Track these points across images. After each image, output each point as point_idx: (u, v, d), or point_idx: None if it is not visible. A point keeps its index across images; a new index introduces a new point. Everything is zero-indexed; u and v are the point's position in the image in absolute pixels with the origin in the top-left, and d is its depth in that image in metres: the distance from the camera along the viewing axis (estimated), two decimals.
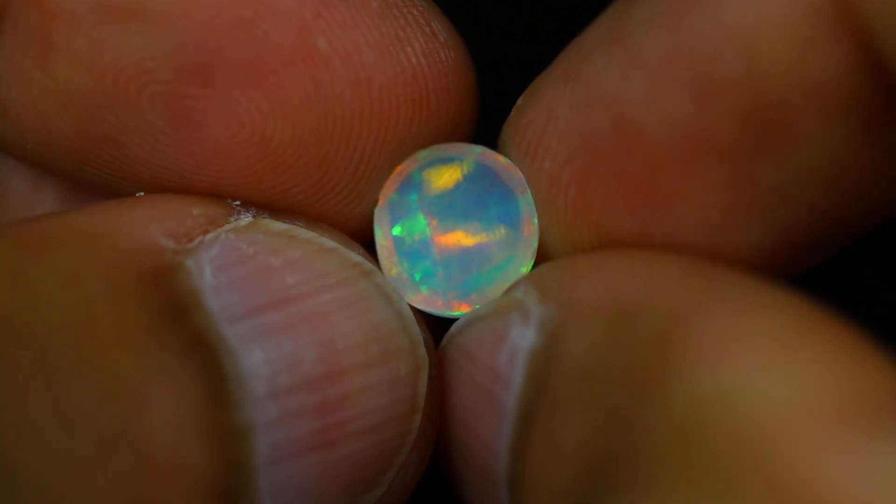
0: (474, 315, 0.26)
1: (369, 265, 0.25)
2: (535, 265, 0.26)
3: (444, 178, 0.27)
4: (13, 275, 0.21)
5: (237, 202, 0.25)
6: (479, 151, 0.27)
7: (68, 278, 0.22)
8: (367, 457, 0.24)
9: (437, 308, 0.26)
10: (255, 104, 0.25)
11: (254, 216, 0.25)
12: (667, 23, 0.23)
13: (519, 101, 0.27)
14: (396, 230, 0.26)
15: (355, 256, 0.25)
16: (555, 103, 0.25)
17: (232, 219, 0.24)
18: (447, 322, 0.27)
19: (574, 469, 0.22)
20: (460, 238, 0.26)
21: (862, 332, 0.20)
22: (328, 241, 0.25)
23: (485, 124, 0.28)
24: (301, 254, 0.24)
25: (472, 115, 0.27)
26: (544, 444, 0.23)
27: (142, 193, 0.26)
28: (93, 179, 0.26)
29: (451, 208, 0.26)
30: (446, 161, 0.26)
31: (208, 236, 0.24)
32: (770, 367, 0.19)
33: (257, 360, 0.23)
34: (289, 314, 0.23)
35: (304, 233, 0.25)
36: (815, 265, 0.25)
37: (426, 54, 0.26)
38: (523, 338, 0.24)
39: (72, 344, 0.21)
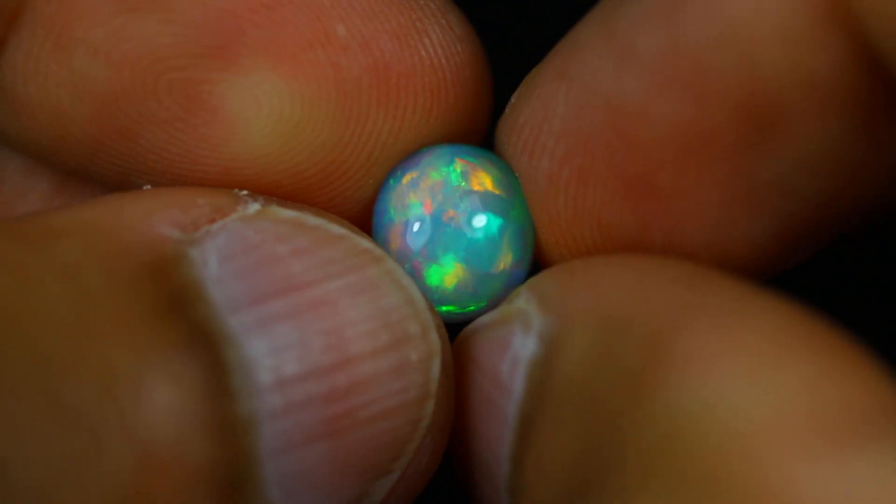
0: (480, 322, 0.26)
1: (379, 251, 0.25)
2: (533, 262, 0.27)
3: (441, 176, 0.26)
4: (11, 267, 0.21)
5: (245, 192, 0.25)
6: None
7: (67, 270, 0.22)
8: (378, 444, 0.24)
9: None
10: (274, 85, 0.25)
11: (262, 205, 0.25)
12: (661, 20, 0.23)
13: (513, 99, 0.27)
14: (394, 211, 0.26)
15: (365, 243, 0.25)
16: (550, 102, 0.25)
17: (240, 208, 0.24)
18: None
19: (567, 479, 0.22)
20: (456, 214, 0.26)
21: (850, 338, 0.21)
22: (337, 228, 0.25)
23: None
24: (308, 241, 0.24)
25: (487, 110, 0.27)
26: (541, 454, 0.23)
27: (148, 187, 0.26)
28: (104, 172, 0.26)
29: (450, 193, 0.26)
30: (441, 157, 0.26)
31: (215, 225, 0.24)
32: (751, 380, 0.20)
33: (261, 349, 0.23)
34: (295, 302, 0.23)
35: (312, 220, 0.24)
36: (810, 257, 0.26)
37: (443, 46, 0.26)
38: (524, 347, 0.24)
39: (67, 336, 0.21)
